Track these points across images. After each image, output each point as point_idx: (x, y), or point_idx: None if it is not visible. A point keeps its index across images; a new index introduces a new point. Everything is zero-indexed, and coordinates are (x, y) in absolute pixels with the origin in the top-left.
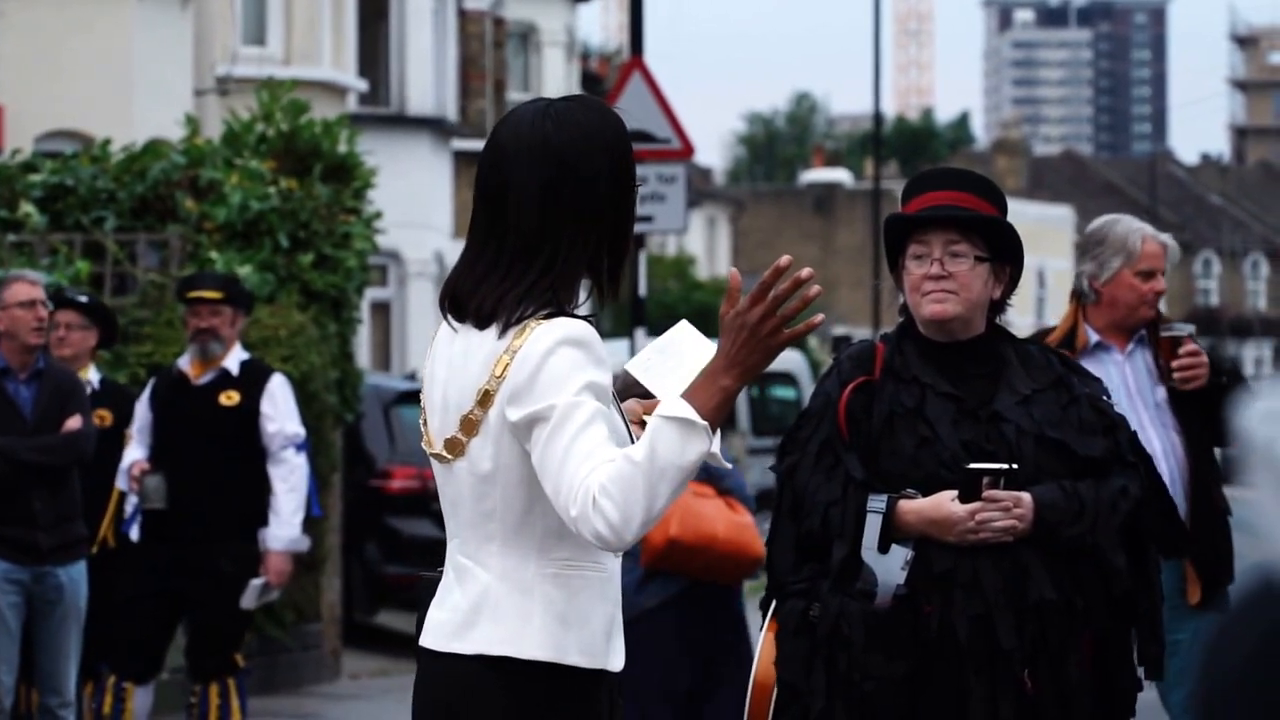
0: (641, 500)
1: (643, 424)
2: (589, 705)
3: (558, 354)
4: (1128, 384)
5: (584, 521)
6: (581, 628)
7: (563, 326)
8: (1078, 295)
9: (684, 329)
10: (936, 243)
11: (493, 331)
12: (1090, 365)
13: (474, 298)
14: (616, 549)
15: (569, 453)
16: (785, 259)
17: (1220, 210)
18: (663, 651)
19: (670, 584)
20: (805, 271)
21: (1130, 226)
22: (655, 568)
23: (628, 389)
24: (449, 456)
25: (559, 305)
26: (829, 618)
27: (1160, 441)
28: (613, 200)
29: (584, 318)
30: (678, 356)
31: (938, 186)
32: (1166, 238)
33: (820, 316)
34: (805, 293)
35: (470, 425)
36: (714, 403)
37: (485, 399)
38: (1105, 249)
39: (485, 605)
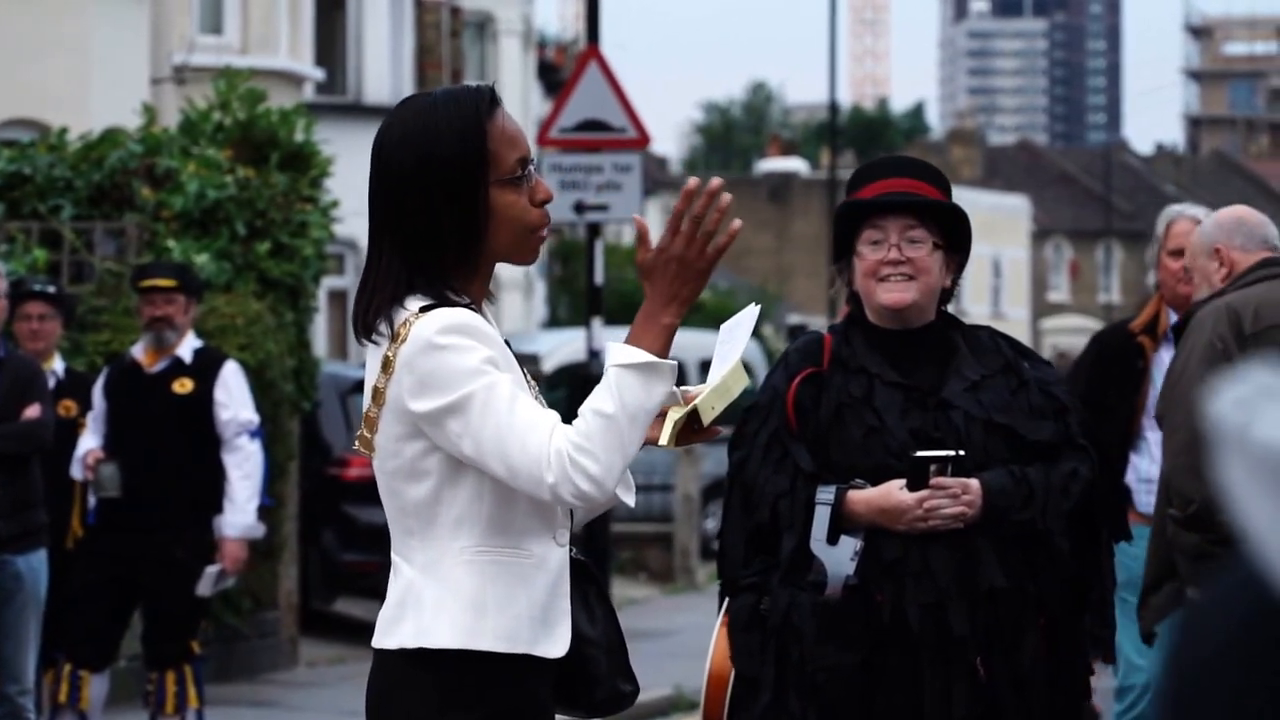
0: (619, 450)
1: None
2: (514, 691)
3: (447, 342)
4: None
5: (564, 484)
6: (499, 613)
7: (438, 317)
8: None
9: (751, 311)
10: (893, 229)
11: (379, 340)
12: (1169, 353)
13: (355, 312)
14: (601, 503)
15: (511, 428)
16: (692, 181)
17: (1174, 200)
18: None
19: None
20: (715, 181)
21: (1167, 211)
22: None
23: None
24: (367, 454)
25: (441, 296)
26: (779, 610)
27: None
28: (425, 194)
29: (466, 305)
30: (737, 337)
31: (890, 174)
32: (1196, 212)
33: (738, 223)
34: (720, 203)
35: (370, 423)
36: (660, 343)
37: (376, 395)
38: (1155, 237)
39: (408, 600)
